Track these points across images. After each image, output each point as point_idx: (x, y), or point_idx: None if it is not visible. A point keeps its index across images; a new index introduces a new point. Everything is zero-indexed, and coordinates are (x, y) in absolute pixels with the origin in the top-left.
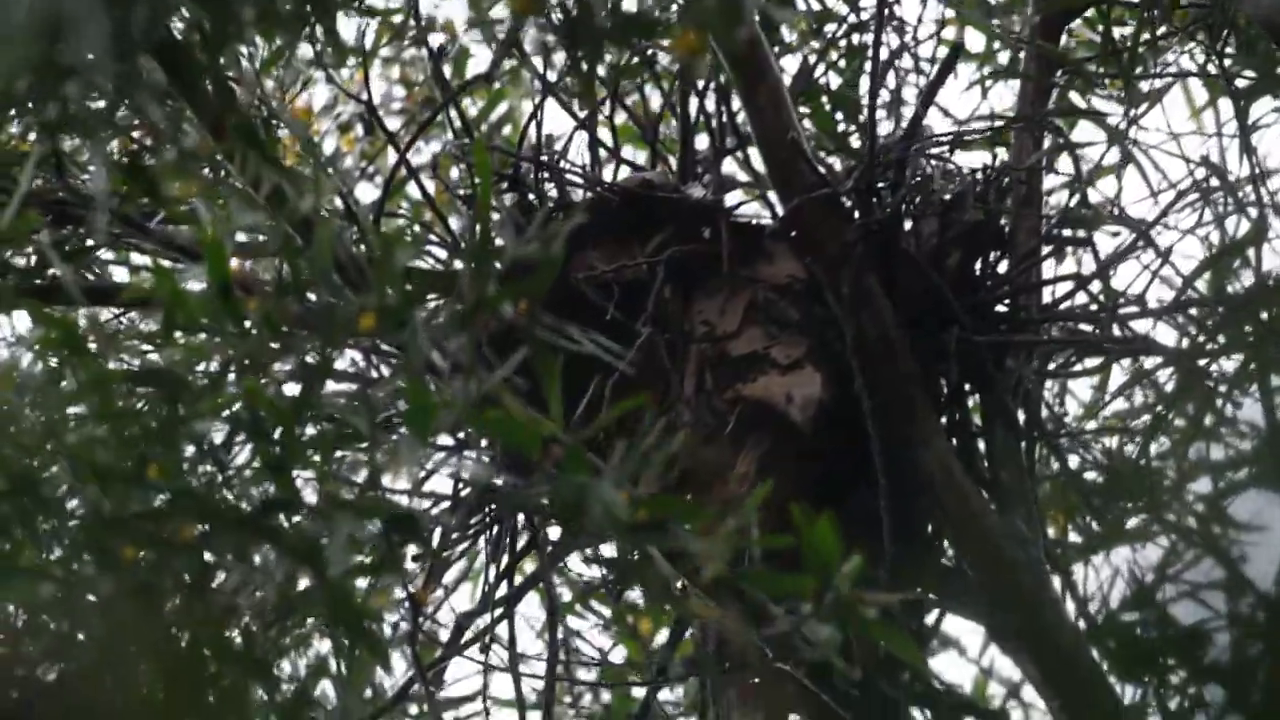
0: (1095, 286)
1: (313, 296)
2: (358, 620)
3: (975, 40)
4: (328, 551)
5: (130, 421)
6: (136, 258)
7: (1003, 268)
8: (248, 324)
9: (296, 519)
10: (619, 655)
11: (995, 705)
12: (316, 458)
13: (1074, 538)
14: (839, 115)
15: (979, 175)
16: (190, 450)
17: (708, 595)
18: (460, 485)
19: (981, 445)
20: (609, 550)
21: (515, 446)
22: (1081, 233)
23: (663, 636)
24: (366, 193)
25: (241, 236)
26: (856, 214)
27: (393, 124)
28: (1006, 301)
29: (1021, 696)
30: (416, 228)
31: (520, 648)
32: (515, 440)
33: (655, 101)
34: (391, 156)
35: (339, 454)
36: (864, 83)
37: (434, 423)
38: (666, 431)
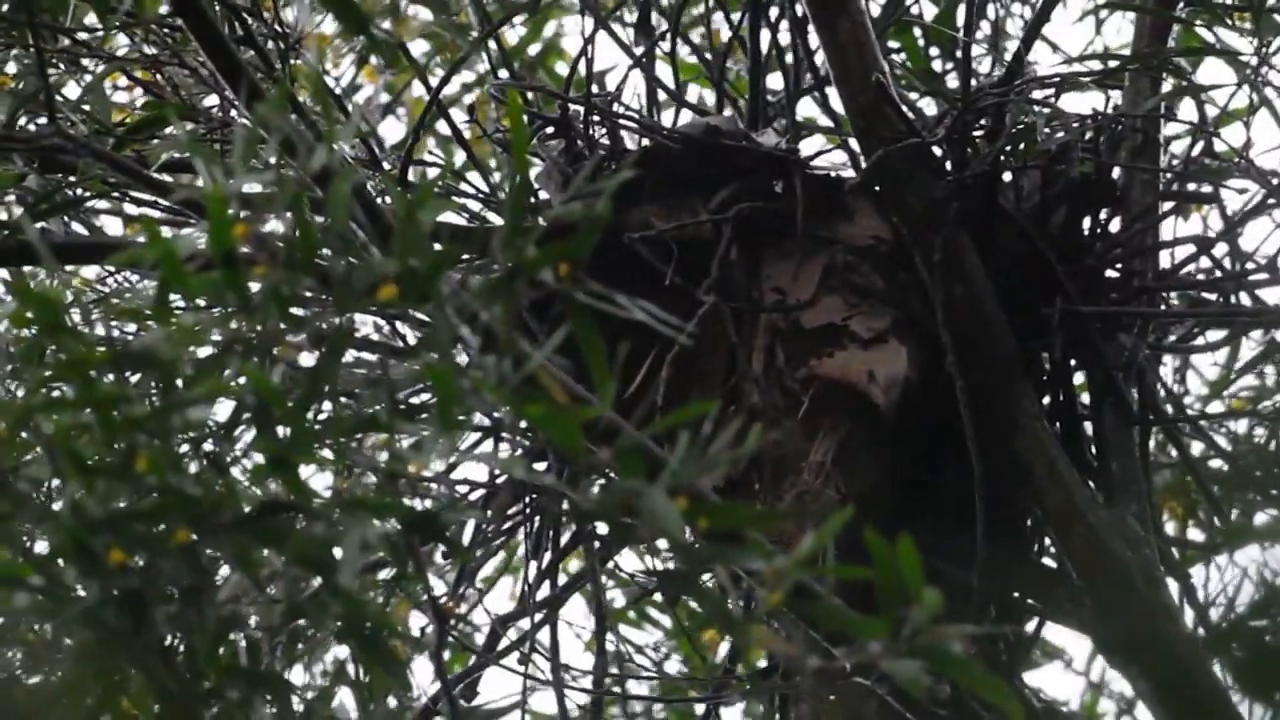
0: (1221, 249)
1: (328, 259)
2: (374, 634)
3: None
4: (339, 557)
5: (118, 409)
6: (131, 210)
7: (1114, 228)
8: (253, 294)
9: (304, 520)
10: (675, 667)
11: None
12: (328, 449)
13: (1194, 535)
14: (934, 51)
15: (1088, 122)
16: (185, 442)
17: (772, 616)
18: (495, 474)
19: (1088, 430)
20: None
21: (557, 441)
22: (1206, 188)
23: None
24: (390, 130)
25: (249, 187)
26: (949, 166)
27: (417, 50)
28: (1118, 267)
29: (1135, 715)
30: (447, 176)
31: (564, 658)
32: (556, 435)
33: (723, 35)
34: (418, 90)
35: (354, 443)
36: (962, 14)
37: (463, 411)
38: (733, 423)
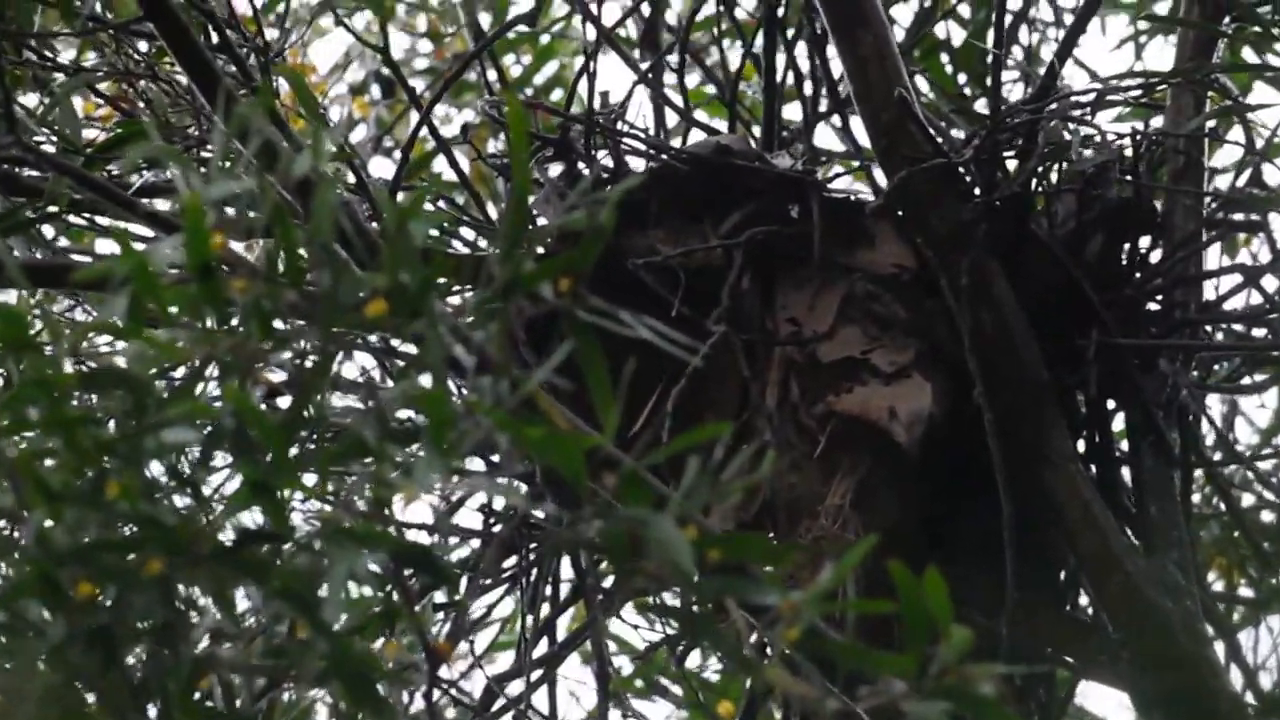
0: (1270, 282)
1: (312, 280)
2: (362, 679)
3: None
4: (324, 592)
5: (87, 432)
6: (101, 244)
7: (1155, 256)
8: (231, 313)
9: (287, 552)
10: None
11: None
12: (313, 478)
13: (1243, 592)
14: (962, 79)
15: (1127, 143)
16: (159, 468)
17: (786, 658)
18: (490, 518)
19: (1125, 473)
20: (674, 600)
21: (558, 468)
22: (1253, 216)
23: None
24: (384, 170)
25: (228, 210)
26: (977, 189)
27: (417, 85)
28: (1158, 298)
29: None
30: (440, 203)
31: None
32: (558, 460)
33: (735, 55)
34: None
35: (340, 474)
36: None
37: (457, 436)
38: (745, 453)
